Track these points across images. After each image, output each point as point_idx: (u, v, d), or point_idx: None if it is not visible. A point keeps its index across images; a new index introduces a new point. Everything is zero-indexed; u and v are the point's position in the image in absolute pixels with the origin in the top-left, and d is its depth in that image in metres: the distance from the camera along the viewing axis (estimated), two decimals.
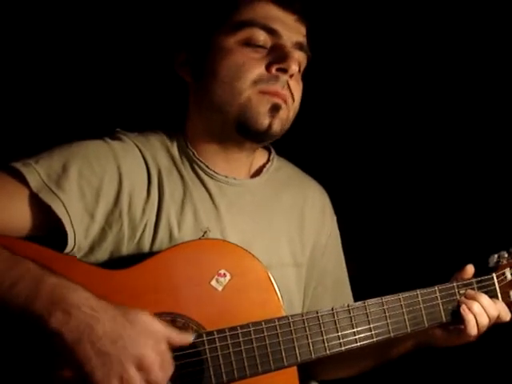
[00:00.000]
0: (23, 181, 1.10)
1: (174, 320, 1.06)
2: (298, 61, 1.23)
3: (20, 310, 0.92)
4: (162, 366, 0.95)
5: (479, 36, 1.69)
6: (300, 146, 1.54)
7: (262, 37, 1.21)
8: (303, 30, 1.28)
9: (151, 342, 0.94)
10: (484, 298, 1.22)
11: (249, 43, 1.21)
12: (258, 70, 1.20)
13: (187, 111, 1.31)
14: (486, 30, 1.68)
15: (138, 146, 1.23)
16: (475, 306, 1.21)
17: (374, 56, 1.75)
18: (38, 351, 0.94)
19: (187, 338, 1.01)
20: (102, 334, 0.91)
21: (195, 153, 1.26)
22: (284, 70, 1.20)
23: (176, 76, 1.30)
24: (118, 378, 0.91)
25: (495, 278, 1.27)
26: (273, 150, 1.40)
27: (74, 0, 1.58)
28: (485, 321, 1.21)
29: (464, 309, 1.20)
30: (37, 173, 1.11)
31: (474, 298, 1.22)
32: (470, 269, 1.28)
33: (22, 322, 0.92)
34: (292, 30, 1.24)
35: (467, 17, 1.69)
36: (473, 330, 1.20)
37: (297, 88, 1.26)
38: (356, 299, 1.38)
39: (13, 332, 0.95)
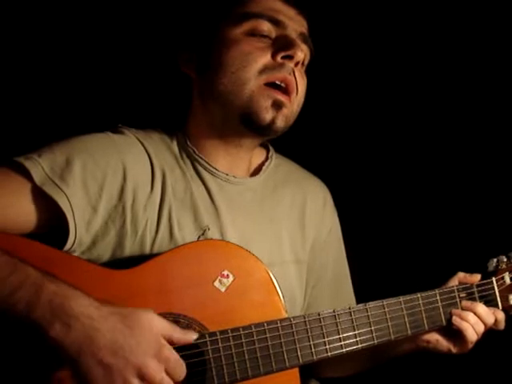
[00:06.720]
0: (26, 175, 1.09)
1: (177, 320, 1.06)
2: (303, 50, 1.24)
3: (20, 317, 0.91)
4: (169, 371, 0.95)
5: (479, 36, 1.69)
6: (301, 144, 1.54)
7: (266, 27, 1.23)
8: (305, 24, 1.29)
9: (152, 349, 0.93)
10: (481, 307, 1.23)
11: (254, 33, 1.23)
12: (264, 58, 1.21)
13: (189, 108, 1.30)
14: (486, 30, 1.68)
15: (140, 141, 1.23)
16: (470, 317, 1.21)
17: (372, 52, 1.75)
18: (39, 357, 0.94)
19: (190, 335, 1.00)
20: (103, 345, 0.90)
21: (195, 150, 1.26)
22: (290, 57, 1.21)
23: (178, 74, 1.29)
24: None
25: (495, 282, 1.28)
26: (271, 148, 1.40)
27: None
28: (480, 328, 1.22)
29: (455, 319, 1.21)
30: (40, 166, 1.10)
31: (469, 309, 1.22)
32: (475, 278, 1.27)
33: (22, 329, 0.91)
34: (295, 22, 1.26)
35: (467, 16, 1.69)
36: (471, 337, 1.21)
37: (301, 81, 1.26)
38: (357, 302, 1.38)
39: (13, 339, 0.94)
